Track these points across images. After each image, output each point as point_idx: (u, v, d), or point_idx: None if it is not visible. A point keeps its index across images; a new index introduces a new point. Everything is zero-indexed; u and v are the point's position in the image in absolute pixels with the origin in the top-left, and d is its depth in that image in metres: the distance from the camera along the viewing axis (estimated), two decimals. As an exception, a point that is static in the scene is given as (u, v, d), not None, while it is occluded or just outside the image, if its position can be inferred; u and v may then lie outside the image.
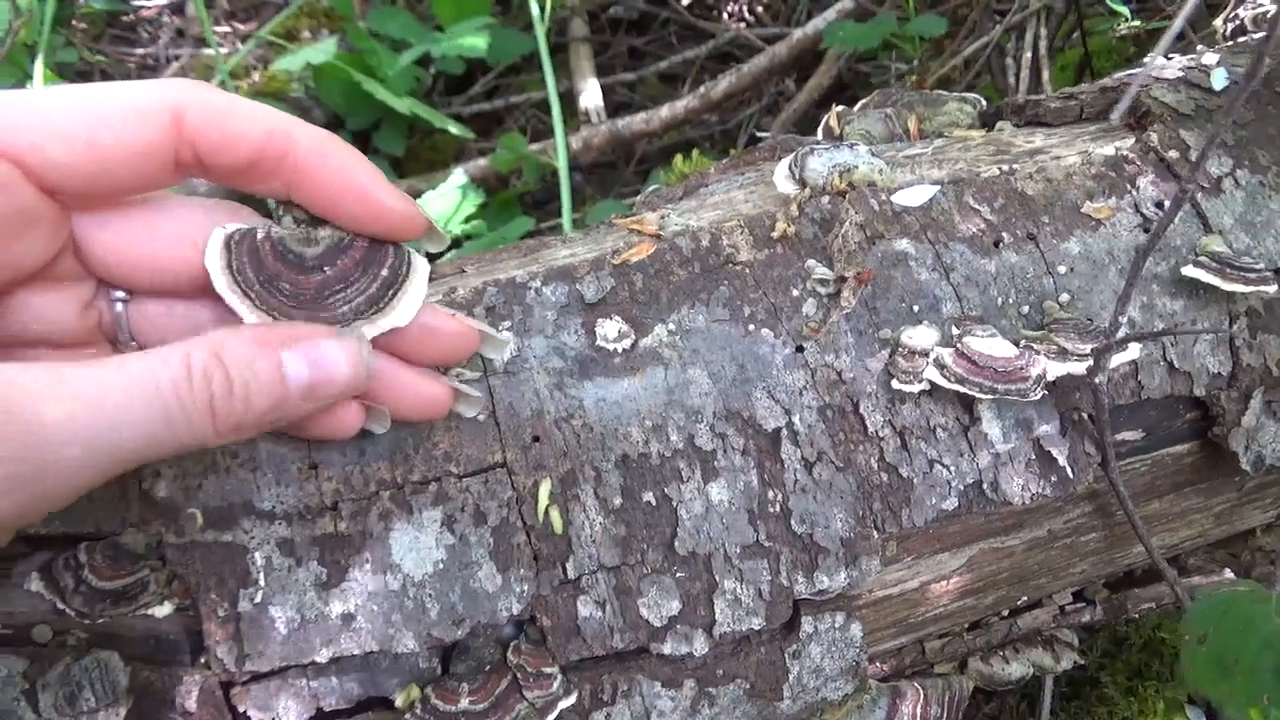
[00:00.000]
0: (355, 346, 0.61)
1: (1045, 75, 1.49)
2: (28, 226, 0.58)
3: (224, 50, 2.73)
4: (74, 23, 2.88)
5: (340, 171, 0.61)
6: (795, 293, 0.76)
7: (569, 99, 2.35)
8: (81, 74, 2.76)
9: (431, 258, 0.74)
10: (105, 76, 2.77)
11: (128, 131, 0.57)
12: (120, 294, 0.64)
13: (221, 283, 0.61)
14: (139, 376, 0.53)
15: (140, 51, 2.86)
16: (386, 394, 0.65)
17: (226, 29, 2.86)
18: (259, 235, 0.63)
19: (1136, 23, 1.36)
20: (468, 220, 1.82)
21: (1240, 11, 1.08)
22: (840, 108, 1.00)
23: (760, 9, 2.69)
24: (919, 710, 0.84)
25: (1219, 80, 0.87)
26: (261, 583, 0.66)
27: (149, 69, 2.84)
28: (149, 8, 2.94)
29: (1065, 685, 1.32)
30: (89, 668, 0.62)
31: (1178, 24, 0.55)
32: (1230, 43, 1.04)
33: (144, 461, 0.56)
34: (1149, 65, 0.78)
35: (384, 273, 0.64)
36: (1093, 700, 1.30)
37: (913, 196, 0.79)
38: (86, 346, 0.64)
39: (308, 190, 0.62)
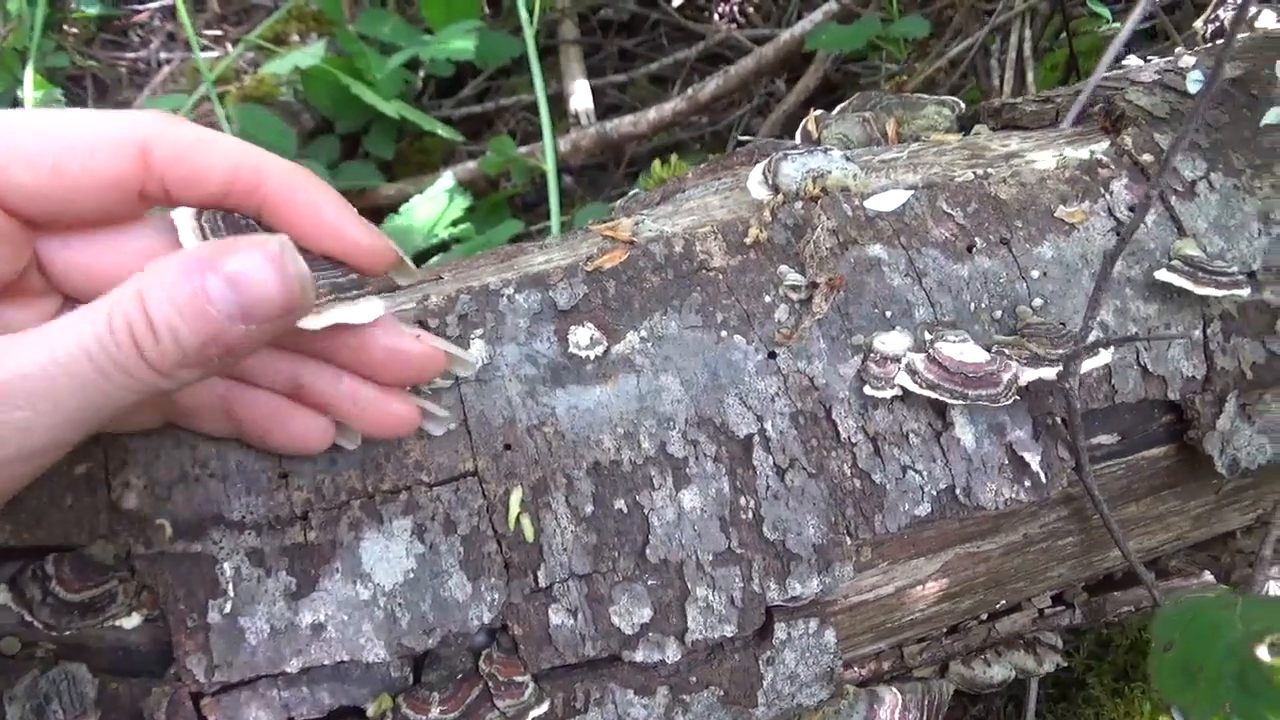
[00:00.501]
0: (276, 249, 0.54)
1: (1030, 76, 1.49)
2: None
3: (214, 54, 2.73)
4: (65, 27, 2.88)
5: (309, 206, 0.61)
6: (768, 299, 0.76)
7: (559, 101, 2.35)
8: (73, 78, 2.77)
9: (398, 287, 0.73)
10: (96, 81, 2.78)
11: (94, 162, 0.57)
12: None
13: (187, 228, 0.59)
14: (65, 334, 0.52)
15: (131, 56, 2.86)
16: (354, 412, 0.65)
17: (217, 32, 2.86)
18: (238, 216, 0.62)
19: (1118, 24, 1.35)
20: (455, 224, 1.81)
21: (1220, 13, 1.08)
22: (818, 111, 1.00)
23: (751, 10, 2.69)
24: (897, 715, 0.84)
25: (1194, 83, 0.87)
26: (231, 593, 0.66)
27: (140, 74, 2.84)
28: (140, 12, 2.94)
29: (1052, 687, 1.32)
30: (56, 680, 0.62)
31: (1122, 35, 0.55)
32: (1209, 45, 1.03)
33: (101, 421, 0.54)
34: (1096, 75, 0.78)
35: (352, 275, 0.63)
36: (1079, 702, 1.30)
37: (886, 201, 0.79)
38: None
39: (278, 223, 0.61)
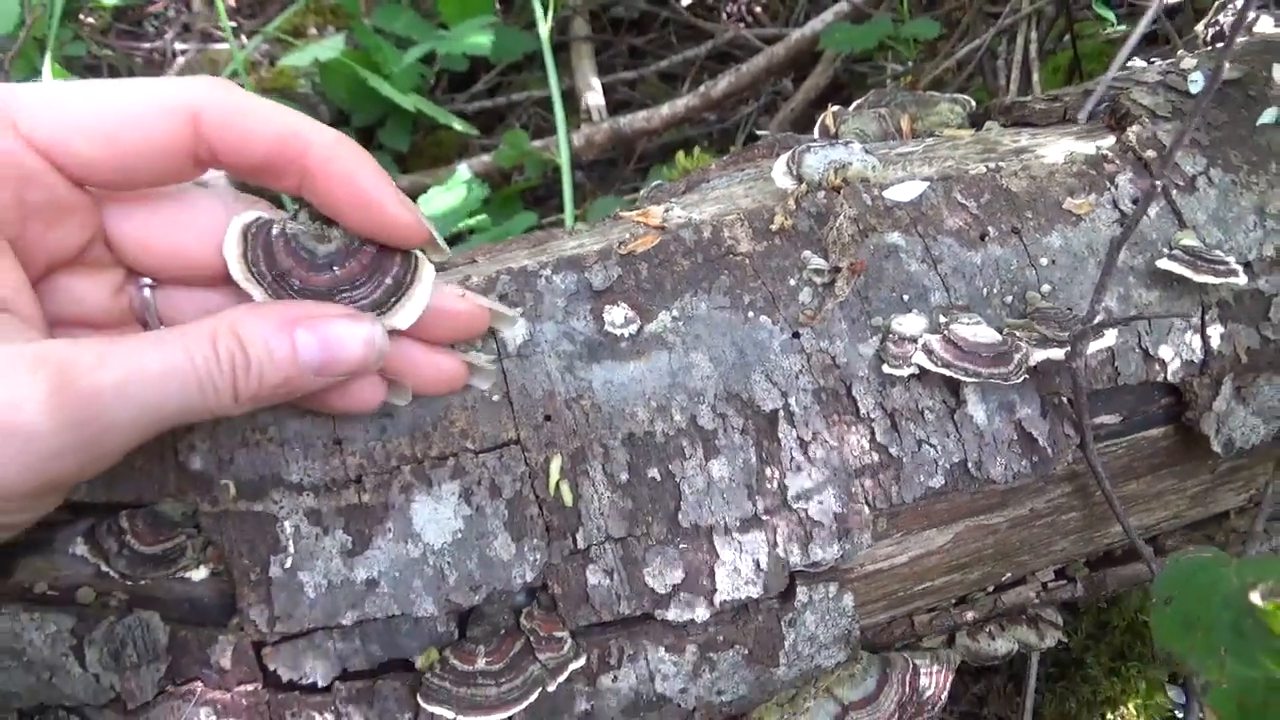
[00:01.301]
0: (369, 330, 0.64)
1: (1035, 77, 1.54)
2: (61, 215, 0.62)
3: (226, 46, 2.77)
4: (82, 16, 2.91)
5: (346, 176, 0.64)
6: (792, 282, 0.80)
7: (570, 96, 2.40)
8: (89, 68, 2.80)
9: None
10: (112, 70, 2.81)
11: (148, 129, 0.60)
12: (147, 281, 0.68)
13: (238, 273, 0.65)
14: (175, 351, 0.59)
15: (147, 46, 2.90)
16: (407, 370, 0.70)
17: (232, 24, 2.90)
18: (274, 230, 0.66)
19: (1122, 27, 1.40)
20: (473, 214, 1.86)
21: (1220, 18, 1.12)
22: (836, 107, 1.05)
23: (759, 9, 2.73)
24: (908, 679, 0.89)
25: (1195, 84, 0.91)
26: (291, 550, 0.70)
27: (155, 63, 2.87)
28: (156, 2, 2.98)
29: (1051, 666, 1.37)
30: (132, 626, 0.67)
31: (1133, 39, 0.60)
32: (1210, 48, 1.08)
33: (177, 424, 0.62)
34: (1109, 74, 0.83)
35: (388, 280, 0.68)
36: (1077, 681, 1.35)
37: (904, 192, 0.83)
38: (120, 327, 0.68)
39: (317, 191, 0.65)
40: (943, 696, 0.91)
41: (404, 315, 0.67)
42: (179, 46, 2.89)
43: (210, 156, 0.63)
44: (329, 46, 1.98)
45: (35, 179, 0.59)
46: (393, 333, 0.67)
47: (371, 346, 0.65)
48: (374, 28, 2.25)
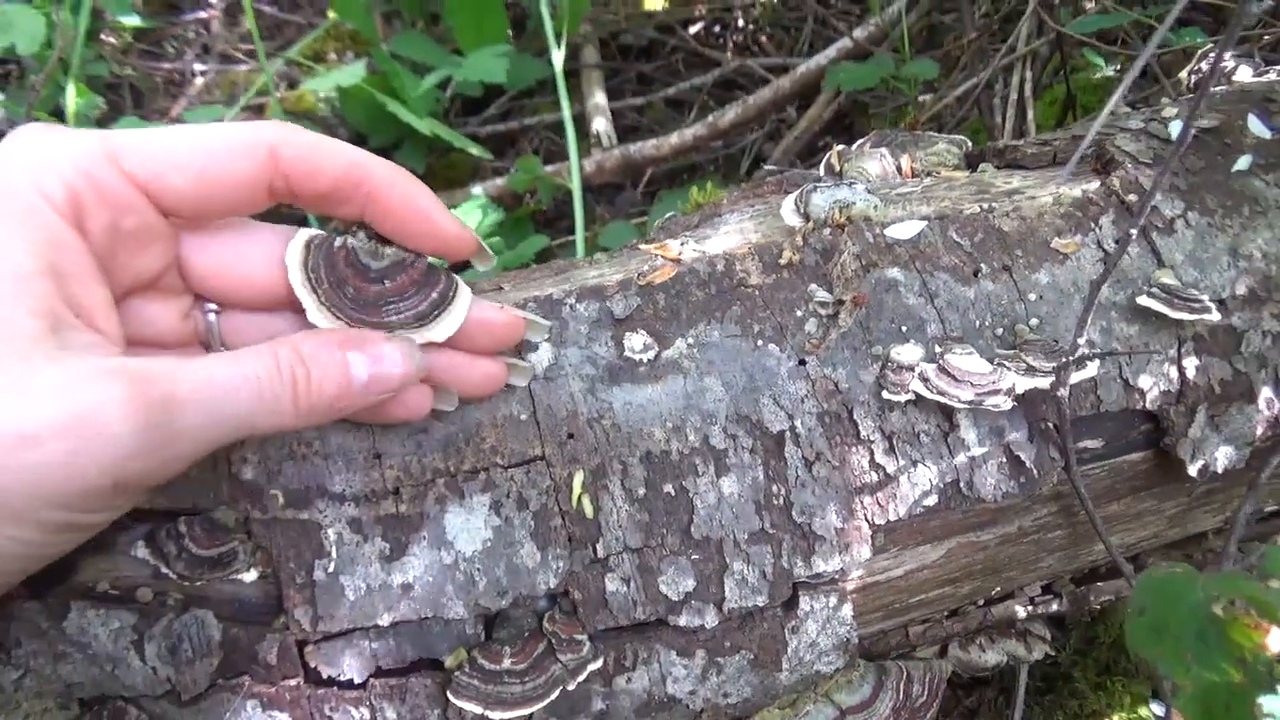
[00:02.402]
0: (409, 349, 0.72)
1: (1030, 113, 1.61)
2: (150, 241, 0.69)
3: (245, 69, 2.84)
4: (103, 37, 2.99)
5: (406, 198, 0.73)
6: (799, 313, 0.86)
7: (580, 121, 2.47)
8: (111, 87, 2.87)
9: (477, 273, 0.85)
10: (134, 90, 2.88)
11: (232, 164, 0.69)
12: (212, 306, 0.75)
13: (297, 278, 0.73)
14: (243, 366, 0.65)
15: (167, 66, 2.97)
16: (453, 376, 0.77)
17: (251, 47, 2.97)
18: (335, 243, 0.75)
19: (1110, 72, 1.47)
20: (488, 237, 1.92)
21: (1203, 65, 1.19)
22: (840, 147, 1.11)
23: (764, 39, 2.81)
24: (902, 686, 0.94)
25: (1176, 131, 0.98)
26: (334, 555, 0.76)
27: (175, 84, 2.95)
28: (176, 24, 3.05)
29: (1040, 680, 1.42)
30: (188, 623, 0.72)
31: (1118, 94, 0.66)
32: (1190, 94, 1.15)
33: (243, 435, 0.68)
34: (1096, 124, 0.89)
35: (434, 294, 0.76)
36: (1065, 694, 1.41)
37: (903, 230, 0.90)
38: (185, 349, 0.75)
39: (378, 213, 0.74)
40: (934, 704, 0.97)
41: (445, 326, 0.75)
42: (198, 67, 2.96)
43: (285, 187, 0.70)
44: (351, 73, 2.05)
45: (130, 208, 0.66)
46: (436, 344, 0.75)
47: (411, 364, 0.72)
48: (391, 54, 2.32)
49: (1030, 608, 1.01)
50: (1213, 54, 1.19)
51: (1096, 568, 1.05)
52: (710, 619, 0.81)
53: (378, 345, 0.71)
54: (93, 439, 0.58)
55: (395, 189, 0.73)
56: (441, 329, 0.75)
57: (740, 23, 2.83)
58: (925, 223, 0.90)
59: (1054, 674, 1.41)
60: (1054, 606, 1.01)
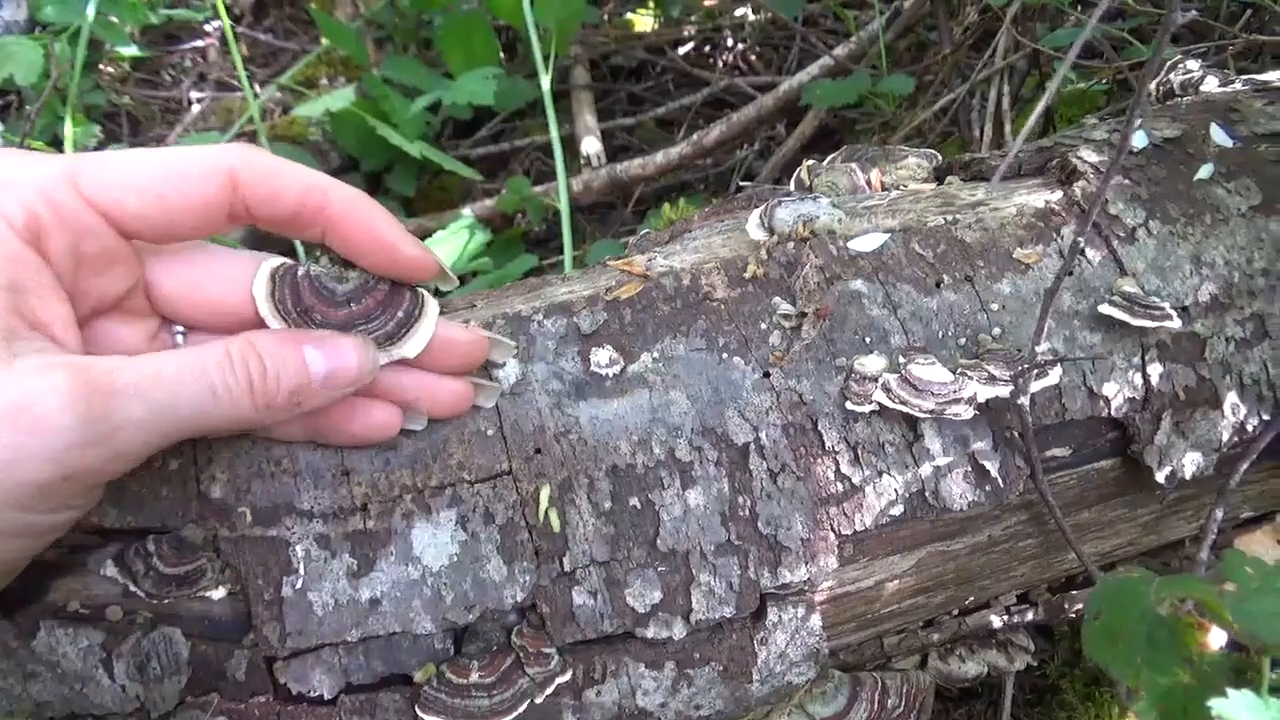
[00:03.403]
0: (362, 343, 0.73)
1: (1008, 127, 1.62)
2: (109, 265, 0.70)
3: (240, 96, 2.88)
4: (101, 66, 3.03)
5: (366, 222, 0.74)
6: (763, 326, 0.87)
7: (570, 142, 2.49)
8: (108, 115, 2.91)
9: (442, 294, 0.87)
10: (131, 118, 2.92)
11: (190, 188, 0.70)
12: (179, 328, 0.76)
13: (265, 309, 0.74)
14: (190, 358, 0.66)
15: (164, 95, 3.01)
16: (423, 395, 0.78)
17: (245, 72, 3.01)
18: (299, 272, 0.76)
19: (1082, 85, 1.49)
20: (475, 258, 1.94)
21: (1171, 76, 1.20)
22: (810, 161, 1.13)
23: (753, 58, 2.84)
24: (877, 698, 0.95)
25: (1139, 141, 0.99)
26: (301, 571, 0.77)
27: (171, 111, 2.99)
28: (173, 53, 3.10)
29: (1029, 692, 1.42)
30: (156, 641, 0.73)
31: (1043, 103, 0.67)
32: (1159, 105, 1.16)
33: (198, 432, 0.69)
34: (1018, 141, 0.91)
35: (399, 314, 0.77)
36: (1053, 706, 1.40)
37: (866, 243, 0.91)
38: None
39: (339, 237, 0.75)
40: (912, 715, 0.97)
41: (413, 343, 0.76)
42: (194, 95, 3.00)
43: (245, 211, 0.72)
44: (341, 97, 2.08)
45: (90, 232, 0.67)
46: (405, 362, 0.76)
47: (365, 358, 0.73)
48: (382, 78, 2.36)
49: (1006, 617, 1.01)
50: (1182, 65, 1.20)
51: (1073, 576, 1.05)
52: (678, 630, 0.82)
53: (334, 339, 0.72)
54: (33, 429, 0.59)
55: (354, 214, 0.74)
56: (411, 345, 0.76)
57: (730, 42, 2.86)
58: (889, 235, 0.92)
59: (1042, 685, 1.41)
60: (1030, 616, 1.01)
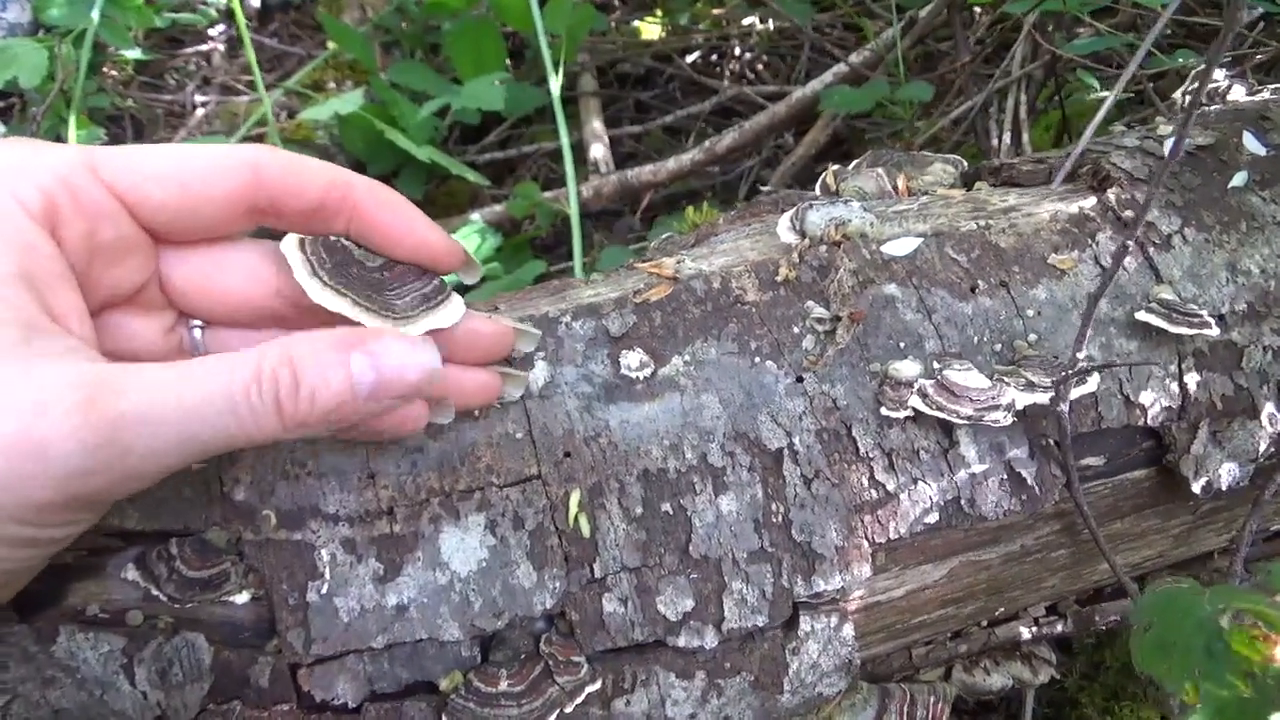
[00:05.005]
0: (426, 351, 0.65)
1: (1025, 136, 1.61)
2: (124, 255, 0.69)
3: (245, 99, 2.86)
4: (105, 69, 3.01)
5: (390, 212, 0.73)
6: (796, 330, 0.86)
7: (578, 149, 2.48)
8: (112, 118, 2.89)
9: (464, 290, 0.85)
10: (135, 121, 2.90)
11: (214, 179, 0.68)
12: (197, 322, 0.75)
13: (296, 259, 0.70)
14: (214, 375, 0.60)
15: (168, 98, 2.99)
16: (450, 387, 0.75)
17: (250, 78, 2.99)
18: (330, 236, 0.73)
19: (1105, 94, 1.48)
20: (486, 262, 1.92)
21: (1196, 85, 1.19)
22: (836, 166, 1.11)
23: (760, 67, 2.84)
24: (905, 710, 0.93)
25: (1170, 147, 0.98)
26: (327, 576, 0.75)
27: (176, 115, 2.97)
28: (177, 56, 3.08)
29: (1047, 706, 1.40)
30: (179, 647, 0.71)
31: (1109, 102, 0.66)
32: (1181, 113, 1.15)
33: (220, 451, 0.63)
34: (1082, 142, 0.90)
35: (435, 281, 0.75)
36: (1072, 720, 1.39)
37: (900, 247, 0.90)
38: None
39: (365, 225, 0.73)
40: (939, 727, 0.95)
41: (450, 311, 0.72)
42: (199, 99, 2.98)
43: (268, 205, 0.70)
44: (349, 101, 2.06)
45: (107, 218, 0.65)
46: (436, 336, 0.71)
47: (425, 369, 0.65)
48: (390, 82, 2.34)
49: (1035, 629, 1.00)
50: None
51: (1101, 588, 1.03)
52: (709, 639, 0.80)
53: (384, 344, 0.64)
54: (33, 453, 0.55)
55: (379, 202, 0.72)
56: (449, 313, 0.72)
57: (737, 51, 2.85)
58: (921, 239, 0.90)
59: (1061, 699, 1.39)
60: (1059, 628, 1.00)
